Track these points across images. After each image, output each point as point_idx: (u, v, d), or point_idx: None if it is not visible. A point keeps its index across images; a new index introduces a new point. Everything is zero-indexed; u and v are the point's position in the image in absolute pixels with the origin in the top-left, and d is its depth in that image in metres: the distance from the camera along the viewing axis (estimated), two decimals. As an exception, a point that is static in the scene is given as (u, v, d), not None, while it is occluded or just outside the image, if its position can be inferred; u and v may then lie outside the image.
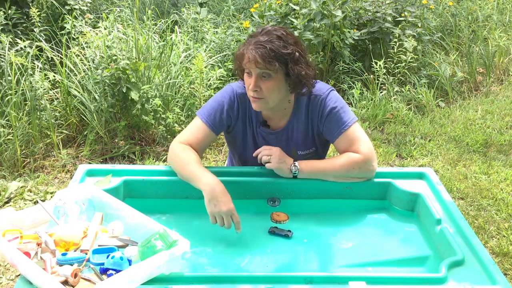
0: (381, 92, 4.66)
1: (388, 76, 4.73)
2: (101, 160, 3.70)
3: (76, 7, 4.55)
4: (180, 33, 4.85)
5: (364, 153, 1.90)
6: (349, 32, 4.67)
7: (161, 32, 4.86)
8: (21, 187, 3.34)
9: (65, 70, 3.90)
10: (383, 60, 4.62)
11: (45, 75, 3.91)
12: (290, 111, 1.99)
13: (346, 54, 4.71)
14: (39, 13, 4.24)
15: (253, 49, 1.79)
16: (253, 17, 4.85)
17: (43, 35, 4.29)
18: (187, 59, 4.42)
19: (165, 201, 1.94)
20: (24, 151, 3.64)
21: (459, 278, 1.48)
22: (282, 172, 1.92)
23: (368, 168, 1.92)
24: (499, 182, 3.55)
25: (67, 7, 4.51)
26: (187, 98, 4.09)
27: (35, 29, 4.23)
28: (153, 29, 4.62)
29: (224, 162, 3.73)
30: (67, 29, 4.17)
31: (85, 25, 4.32)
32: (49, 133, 3.76)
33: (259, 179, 1.96)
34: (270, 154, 1.93)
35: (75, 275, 1.39)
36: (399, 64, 4.72)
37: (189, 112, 4.00)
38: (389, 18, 4.80)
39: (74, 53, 4.01)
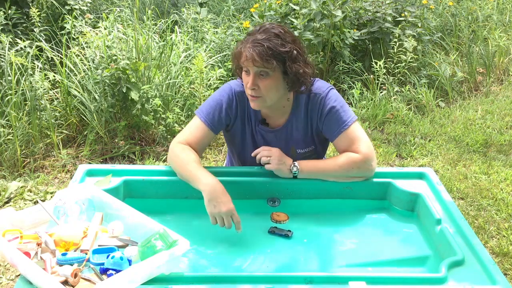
0: (381, 92, 4.66)
1: (388, 76, 4.73)
2: (101, 160, 3.70)
3: (76, 7, 4.55)
4: (180, 33, 4.85)
5: (363, 153, 1.90)
6: (349, 32, 4.67)
7: (161, 32, 4.86)
8: (21, 187, 3.34)
9: (65, 70, 3.90)
10: (383, 60, 4.62)
11: (45, 75, 3.91)
12: (289, 109, 1.98)
13: (346, 54, 4.71)
14: (39, 13, 4.24)
15: (250, 47, 1.78)
16: (253, 17, 4.85)
17: (43, 35, 4.29)
18: (187, 59, 4.42)
19: (165, 201, 1.94)
20: (24, 151, 3.64)
21: (459, 278, 1.48)
22: (282, 173, 1.92)
23: (368, 168, 1.92)
24: (499, 182, 3.55)
25: (67, 7, 4.51)
26: (187, 98, 4.09)
27: (35, 29, 4.23)
28: (153, 29, 4.62)
29: (224, 162, 3.73)
30: (67, 29, 4.17)
31: (85, 25, 4.32)
32: (49, 133, 3.76)
33: (259, 179, 1.96)
34: (269, 155, 1.92)
35: (75, 275, 1.39)
36: (399, 64, 4.72)
37: (189, 112, 4.00)
38: (389, 18, 4.80)
39: (74, 53, 4.01)
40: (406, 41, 4.65)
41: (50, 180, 3.47)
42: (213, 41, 4.71)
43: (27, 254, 1.47)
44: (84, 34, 4.13)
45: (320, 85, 1.97)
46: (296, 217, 1.87)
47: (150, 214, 1.65)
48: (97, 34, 4.06)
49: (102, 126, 3.77)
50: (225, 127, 2.04)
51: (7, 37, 3.87)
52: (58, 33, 4.36)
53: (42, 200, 3.13)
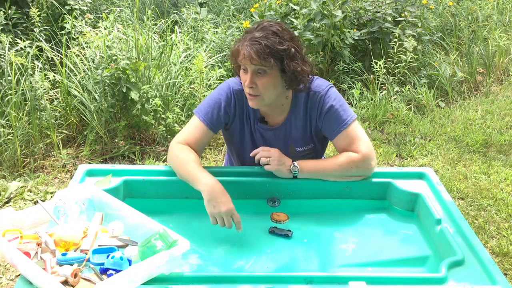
0: (381, 92, 4.66)
1: (388, 76, 4.73)
2: (101, 160, 3.70)
3: (76, 7, 4.55)
4: (180, 33, 4.85)
5: (363, 152, 1.90)
6: (349, 32, 4.67)
7: (161, 32, 4.86)
8: (21, 187, 3.34)
9: (65, 70, 3.90)
10: (383, 60, 4.62)
11: (45, 75, 3.91)
12: (288, 107, 1.98)
13: (346, 54, 4.71)
14: (39, 13, 4.24)
15: (248, 45, 1.78)
16: (253, 17, 4.85)
17: (43, 35, 4.29)
18: (187, 59, 4.42)
19: (165, 201, 1.94)
20: (24, 151, 3.64)
21: (459, 278, 1.48)
22: (282, 173, 1.92)
23: (367, 167, 1.92)
24: (499, 182, 3.55)
25: (67, 7, 4.50)
26: (187, 98, 4.09)
27: (35, 29, 4.23)
28: (153, 29, 4.62)
29: (223, 162, 3.73)
30: (67, 29, 4.17)
31: (85, 25, 4.32)
32: (49, 133, 3.76)
33: (259, 179, 1.96)
34: (268, 156, 1.91)
35: (75, 275, 1.39)
36: (399, 64, 4.72)
37: (189, 112, 4.00)
38: (389, 18, 4.80)
39: (74, 53, 4.01)
40: (406, 41, 4.65)
41: (50, 180, 3.47)
42: (213, 41, 4.71)
43: (27, 254, 1.47)
44: (84, 34, 4.13)
45: (320, 83, 1.96)
46: (296, 217, 1.87)
47: (150, 214, 1.65)
48: (97, 34, 4.06)
49: (102, 126, 3.77)
50: (224, 126, 2.03)
51: (7, 37, 3.87)
52: (58, 33, 4.36)
53: (42, 200, 3.13)
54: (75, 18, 4.38)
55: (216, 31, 4.88)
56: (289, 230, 1.78)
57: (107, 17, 4.39)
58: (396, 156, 3.93)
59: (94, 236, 1.56)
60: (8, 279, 2.65)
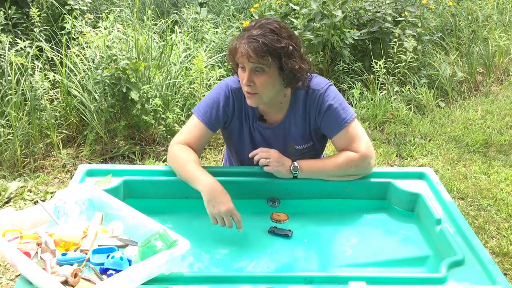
0: (381, 92, 4.66)
1: (388, 76, 4.73)
2: (101, 160, 3.70)
3: (76, 7, 4.55)
4: (180, 33, 4.85)
5: (362, 152, 1.90)
6: (349, 32, 4.67)
7: (161, 32, 4.86)
8: (21, 187, 3.34)
9: (65, 70, 3.90)
10: (383, 60, 4.62)
11: (45, 75, 3.91)
12: (287, 105, 1.97)
13: (346, 54, 4.71)
14: (39, 13, 4.24)
15: (246, 43, 1.76)
16: (253, 17, 4.85)
17: (43, 35, 4.29)
18: (187, 59, 4.42)
19: (165, 201, 1.94)
20: (24, 151, 3.64)
21: (459, 278, 1.48)
22: (281, 174, 1.91)
23: (366, 166, 1.93)
24: (499, 182, 3.55)
25: (67, 7, 4.51)
26: (187, 98, 4.09)
27: (35, 29, 4.23)
28: (153, 29, 4.62)
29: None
30: (67, 29, 4.17)
31: (85, 25, 4.32)
32: (49, 133, 3.76)
33: (259, 179, 1.96)
34: (268, 157, 1.91)
35: (75, 275, 1.39)
36: (399, 64, 4.72)
37: (189, 112, 4.00)
38: (389, 18, 4.80)
39: (74, 53, 4.01)
40: (406, 41, 4.65)
41: (50, 180, 3.47)
42: (213, 41, 4.71)
43: (27, 254, 1.47)
44: (84, 34, 4.13)
45: (319, 81, 1.95)
46: (296, 217, 1.87)
47: (150, 214, 1.65)
48: (97, 34, 4.06)
49: (102, 126, 3.77)
50: (223, 125, 2.02)
51: (7, 37, 3.87)
52: (58, 33, 4.37)
53: (42, 200, 3.13)
54: (75, 18, 4.38)
55: (216, 31, 4.88)
56: (289, 230, 1.78)
57: (107, 17, 4.39)
58: (396, 156, 3.93)
59: (94, 236, 1.56)
60: (8, 279, 2.65)
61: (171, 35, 4.69)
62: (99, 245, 1.54)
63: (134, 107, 3.67)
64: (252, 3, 5.89)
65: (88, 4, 4.77)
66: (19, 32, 4.29)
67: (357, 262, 1.65)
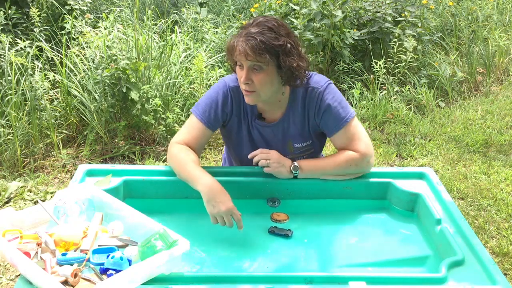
0: (381, 92, 4.66)
1: (388, 76, 4.73)
2: (101, 160, 3.70)
3: (76, 7, 4.55)
4: (180, 33, 4.85)
5: (362, 151, 1.90)
6: (349, 32, 4.67)
7: (161, 32, 4.86)
8: (21, 187, 3.34)
9: (65, 70, 3.90)
10: (383, 60, 4.62)
11: (45, 75, 3.91)
12: (286, 103, 1.96)
13: (346, 54, 4.71)
14: (39, 13, 4.24)
15: (243, 41, 1.76)
16: (253, 17, 4.85)
17: (43, 35, 4.29)
18: (187, 59, 4.42)
19: (165, 201, 1.94)
20: (24, 151, 3.64)
21: (459, 278, 1.48)
22: (282, 175, 1.91)
23: (366, 165, 1.93)
24: (499, 182, 3.55)
25: (67, 7, 4.51)
26: (187, 98, 4.09)
27: (35, 29, 4.23)
28: (153, 29, 4.62)
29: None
30: (67, 29, 4.17)
31: (85, 25, 4.32)
32: (49, 133, 3.76)
33: (259, 179, 1.95)
34: (268, 158, 1.90)
35: (75, 275, 1.39)
36: (399, 64, 4.72)
37: (189, 112, 3.98)
38: (389, 18, 4.80)
39: (74, 53, 4.01)
40: (406, 41, 4.65)
41: (50, 180, 3.48)
42: (213, 41, 4.71)
43: (27, 254, 1.47)
44: (84, 34, 4.13)
45: (318, 79, 1.94)
46: (296, 217, 1.87)
47: (150, 214, 1.65)
48: (97, 34, 4.06)
49: (102, 126, 3.77)
50: (222, 124, 2.02)
51: (7, 37, 3.87)
52: (58, 33, 4.37)
53: (42, 200, 3.13)
54: (75, 18, 4.38)
55: (216, 31, 4.88)
56: (289, 230, 1.78)
57: (107, 17, 4.39)
58: (396, 156, 3.93)
59: (94, 236, 1.56)
60: (8, 279, 2.65)
61: (171, 35, 4.69)
62: (99, 245, 1.54)
63: (134, 107, 3.67)
64: (252, 3, 5.89)
65: (88, 4, 4.77)
66: (19, 32, 4.29)
67: (357, 262, 1.65)
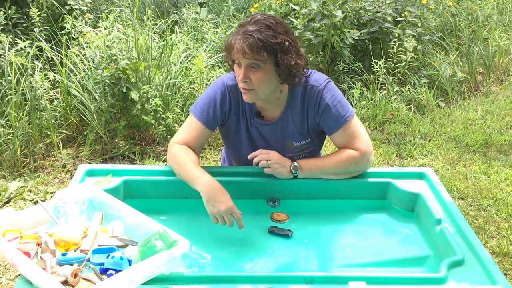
0: (381, 92, 4.66)
1: (388, 76, 4.73)
2: (101, 160, 3.70)
3: (76, 7, 4.55)
4: (180, 33, 4.85)
5: (361, 149, 1.90)
6: (349, 32, 4.67)
7: (161, 32, 4.86)
8: (21, 187, 3.34)
9: (65, 70, 3.90)
10: (383, 60, 4.62)
11: (45, 75, 3.91)
12: (284, 101, 1.95)
13: (346, 54, 4.71)
14: (39, 13, 4.24)
15: (241, 39, 1.75)
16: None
17: (43, 35, 4.29)
18: (187, 59, 4.42)
19: (165, 201, 1.94)
20: (24, 151, 3.64)
21: (459, 278, 1.48)
22: (282, 175, 1.91)
23: (366, 163, 1.93)
24: (499, 182, 3.55)
25: (67, 7, 4.51)
26: (187, 98, 4.09)
27: (35, 29, 4.23)
28: (153, 29, 4.62)
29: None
30: (67, 29, 4.17)
31: (85, 25, 4.32)
32: (49, 133, 3.76)
33: (259, 179, 1.95)
34: (268, 159, 1.90)
35: (75, 275, 1.39)
36: (399, 64, 4.72)
37: (189, 112, 3.99)
38: (389, 18, 4.80)
39: (74, 53, 4.01)
40: (406, 41, 4.65)
41: (50, 180, 3.48)
42: (213, 41, 4.71)
43: (27, 254, 1.47)
44: (84, 34, 4.13)
45: (317, 77, 1.93)
46: (296, 217, 1.87)
47: (150, 214, 1.65)
48: (97, 34, 4.06)
49: (102, 126, 3.77)
50: (221, 122, 2.01)
51: (7, 37, 3.87)
52: (58, 33, 4.37)
53: (42, 200, 3.13)
54: (75, 18, 4.38)
55: (216, 31, 4.88)
56: (289, 230, 1.78)
57: (107, 17, 4.39)
58: (396, 156, 3.93)
59: (94, 236, 1.56)
60: (8, 279, 2.65)
61: (171, 35, 4.69)
62: (99, 245, 1.54)
63: (134, 107, 3.67)
64: (252, 3, 5.89)
65: (88, 4, 4.77)
66: (19, 32, 4.29)
67: (357, 262, 1.65)
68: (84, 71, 3.94)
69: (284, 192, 1.96)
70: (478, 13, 5.91)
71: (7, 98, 3.63)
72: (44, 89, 3.77)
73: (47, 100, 3.82)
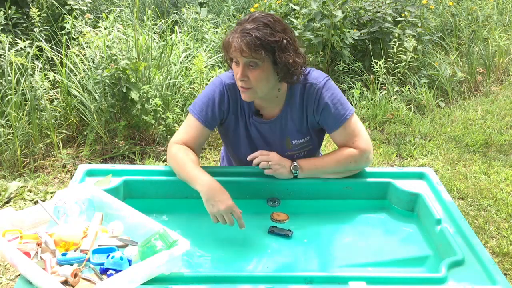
0: (381, 92, 4.66)
1: (388, 76, 4.73)
2: (101, 160, 3.70)
3: (76, 7, 4.55)
4: (180, 33, 4.85)
5: (362, 147, 1.90)
6: (349, 32, 4.67)
7: (161, 32, 4.86)
8: (21, 187, 3.34)
9: (65, 70, 3.90)
10: (383, 60, 4.62)
11: (45, 75, 3.91)
12: (283, 99, 1.94)
13: (346, 54, 4.71)
14: (39, 13, 4.24)
15: (238, 37, 1.74)
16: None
17: (43, 35, 4.29)
18: (187, 59, 4.42)
19: (165, 201, 1.94)
20: (24, 151, 3.64)
21: (459, 278, 1.48)
22: (283, 175, 1.91)
23: (365, 161, 1.93)
24: (499, 182, 3.55)
25: (67, 7, 4.51)
26: (187, 98, 4.09)
27: (35, 29, 4.24)
28: (153, 29, 4.62)
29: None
30: (67, 29, 4.17)
31: (85, 25, 4.32)
32: (49, 133, 3.76)
33: (259, 179, 1.95)
34: (268, 160, 1.90)
35: (75, 275, 1.39)
36: (399, 64, 4.72)
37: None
38: (389, 18, 4.80)
39: (74, 53, 4.01)
40: (406, 41, 4.65)
41: (50, 180, 3.48)
42: (213, 41, 4.71)
43: (27, 254, 1.47)
44: (84, 34, 4.13)
45: (317, 75, 1.93)
46: (296, 217, 1.87)
47: (150, 214, 1.65)
48: (97, 34, 4.06)
49: (102, 126, 3.77)
50: (219, 121, 2.00)
51: (7, 37, 3.87)
52: (58, 33, 4.37)
53: (42, 200, 3.13)
54: (75, 18, 4.38)
55: (216, 31, 4.88)
56: (289, 230, 1.78)
57: (107, 17, 4.39)
58: (396, 156, 3.93)
59: (94, 236, 1.56)
60: (8, 279, 2.65)
61: (171, 35, 4.69)
62: (99, 245, 1.54)
63: (134, 107, 3.67)
64: (252, 3, 5.89)
65: (88, 4, 4.77)
66: (19, 32, 4.29)
67: (357, 262, 1.65)
68: (84, 71, 3.95)
69: (284, 192, 1.96)
70: (478, 13, 5.91)
71: (7, 98, 3.63)
72: (44, 89, 3.77)
73: (47, 100, 3.82)
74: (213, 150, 3.91)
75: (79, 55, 4.04)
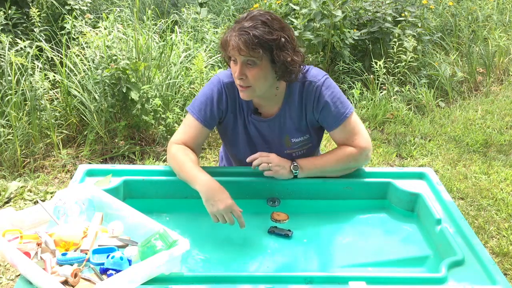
0: (381, 92, 4.66)
1: (388, 76, 4.73)
2: (101, 160, 3.70)
3: (76, 7, 4.55)
4: (180, 33, 4.85)
5: (361, 146, 1.90)
6: (349, 32, 4.67)
7: (161, 32, 4.86)
8: (21, 187, 3.34)
9: (65, 70, 3.90)
10: (383, 60, 4.62)
11: (45, 75, 3.91)
12: (282, 98, 1.94)
13: (346, 54, 4.71)
14: (39, 13, 4.24)
15: (236, 36, 1.73)
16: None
17: (43, 35, 4.29)
18: (187, 59, 4.42)
19: (165, 201, 1.94)
20: (24, 151, 3.64)
21: (459, 278, 1.48)
22: (283, 176, 1.91)
23: (365, 159, 1.94)
24: (499, 182, 3.55)
25: (67, 7, 4.51)
26: (187, 98, 4.09)
27: (35, 29, 4.23)
28: (153, 29, 4.62)
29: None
30: (67, 29, 4.17)
31: (85, 25, 4.32)
32: (49, 133, 3.76)
33: (259, 179, 1.95)
34: (268, 162, 1.89)
35: (75, 275, 1.39)
36: (399, 64, 4.72)
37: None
38: (389, 18, 4.80)
39: (74, 53, 4.01)
40: (406, 41, 4.65)
41: (50, 180, 3.48)
42: (213, 41, 4.70)
43: (27, 254, 1.47)
44: (84, 34, 4.13)
45: (316, 73, 1.92)
46: (296, 217, 1.87)
47: (150, 214, 1.65)
48: (97, 34, 4.06)
49: (102, 126, 3.77)
50: (218, 120, 2.00)
51: (7, 37, 3.87)
52: (58, 33, 4.37)
53: (42, 200, 3.13)
54: (75, 18, 4.38)
55: (216, 31, 4.88)
56: (289, 230, 1.78)
57: (107, 17, 4.39)
58: (396, 156, 3.93)
59: (94, 236, 1.56)
60: (8, 279, 2.65)
61: (171, 35, 4.69)
62: (99, 245, 1.54)
63: (134, 107, 3.67)
64: (252, 3, 5.89)
65: (88, 4, 4.77)
66: (19, 32, 4.29)
67: (357, 262, 1.65)
68: (84, 71, 3.95)
69: (284, 192, 1.96)
70: (478, 13, 5.91)
71: (7, 98, 3.63)
72: (44, 89, 3.77)
73: (47, 100, 3.82)
74: (213, 150, 3.91)
75: (79, 55, 4.04)
